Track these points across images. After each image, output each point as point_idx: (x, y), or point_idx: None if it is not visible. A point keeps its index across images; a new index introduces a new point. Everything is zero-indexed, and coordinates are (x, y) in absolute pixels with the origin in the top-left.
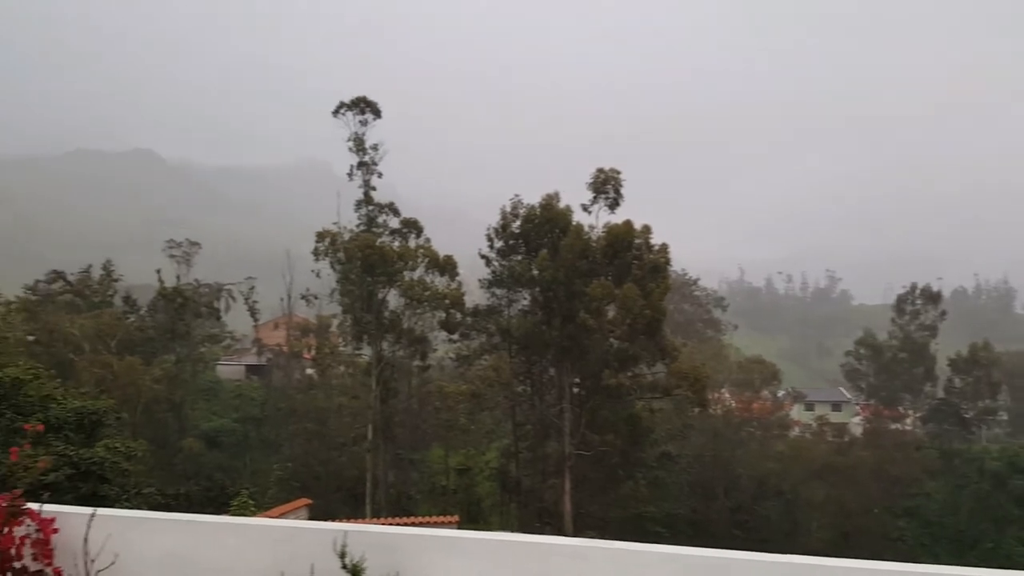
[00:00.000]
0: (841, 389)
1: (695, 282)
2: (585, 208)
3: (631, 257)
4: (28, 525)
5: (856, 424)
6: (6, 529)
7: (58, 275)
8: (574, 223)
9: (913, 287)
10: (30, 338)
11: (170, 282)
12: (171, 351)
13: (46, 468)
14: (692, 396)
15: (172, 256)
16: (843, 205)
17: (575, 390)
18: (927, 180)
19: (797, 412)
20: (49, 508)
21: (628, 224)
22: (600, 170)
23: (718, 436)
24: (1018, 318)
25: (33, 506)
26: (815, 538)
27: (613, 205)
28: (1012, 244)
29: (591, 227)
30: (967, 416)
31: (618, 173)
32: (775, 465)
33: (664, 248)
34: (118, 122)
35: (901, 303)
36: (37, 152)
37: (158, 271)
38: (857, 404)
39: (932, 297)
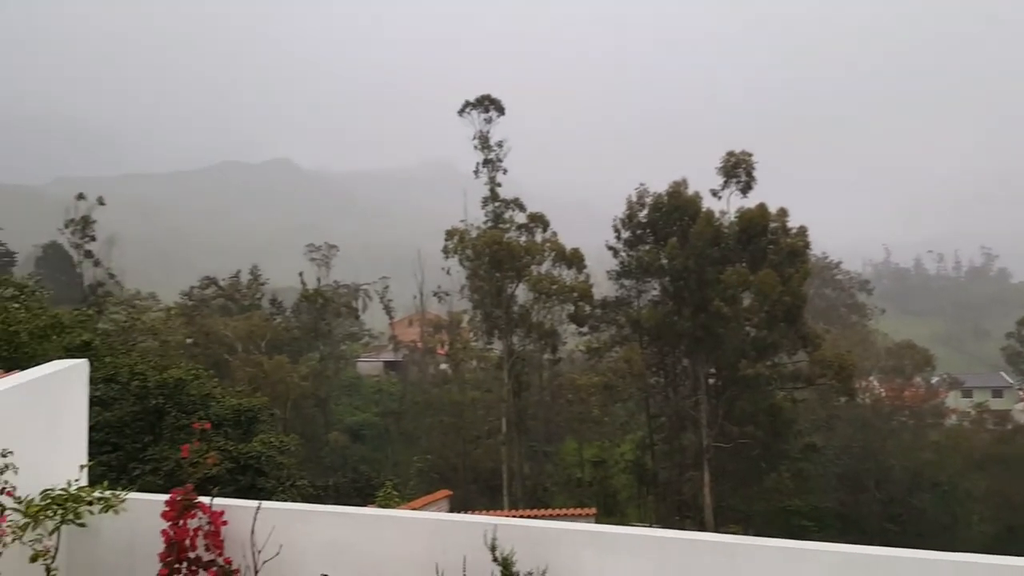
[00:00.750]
0: (1002, 374)
1: (837, 265)
2: (715, 193)
3: (766, 242)
4: (200, 517)
5: (1020, 411)
6: (181, 521)
7: (210, 281)
8: (704, 209)
9: None
10: (189, 340)
11: (311, 284)
12: (315, 349)
13: (214, 463)
14: (837, 385)
15: (312, 259)
16: (996, 178)
17: (711, 381)
18: None
19: (953, 399)
20: (218, 501)
21: (762, 208)
22: (731, 153)
23: (867, 426)
24: None
25: (203, 499)
26: (977, 532)
27: (745, 189)
28: None
29: (722, 213)
30: None
31: (750, 156)
32: (930, 455)
33: (802, 231)
34: (258, 135)
35: None
36: (187, 167)
37: (300, 274)
38: (1021, 389)
39: None
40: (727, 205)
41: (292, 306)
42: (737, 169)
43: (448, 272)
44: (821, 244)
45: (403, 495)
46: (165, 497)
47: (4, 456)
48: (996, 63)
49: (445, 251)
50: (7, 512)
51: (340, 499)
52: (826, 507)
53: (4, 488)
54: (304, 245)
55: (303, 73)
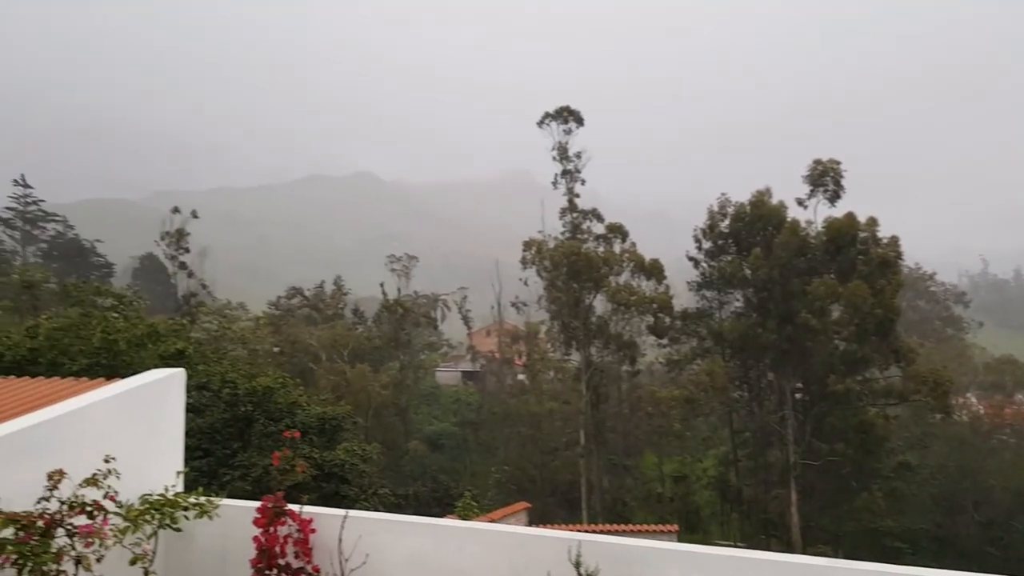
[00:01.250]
0: None
1: (931, 276)
2: (801, 203)
3: (855, 252)
4: (289, 525)
5: None
6: (272, 528)
7: (296, 291)
8: (789, 219)
9: None
10: (275, 349)
11: (392, 294)
12: (395, 359)
13: (303, 472)
14: (932, 401)
15: (393, 270)
16: None
17: (797, 396)
18: None
19: None
20: (307, 509)
21: (851, 217)
22: (817, 161)
23: (965, 445)
24: None
25: (292, 507)
26: None
27: (833, 198)
28: None
29: (808, 222)
30: None
31: (837, 163)
32: None
33: (894, 241)
34: (342, 148)
35: None
36: (276, 180)
37: (381, 284)
38: None
39: None
40: (813, 214)
41: (373, 316)
42: (824, 177)
43: (526, 283)
44: (913, 254)
45: (481, 506)
46: (256, 504)
47: (108, 461)
48: None
49: (523, 262)
50: (109, 516)
51: (420, 508)
52: (920, 529)
53: (107, 492)
54: (385, 256)
55: (385, 87)
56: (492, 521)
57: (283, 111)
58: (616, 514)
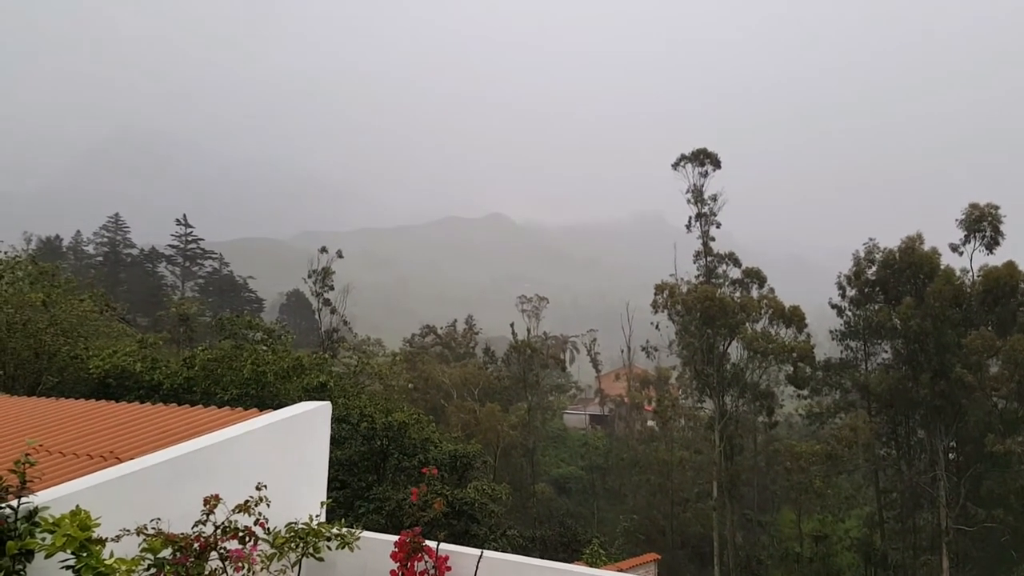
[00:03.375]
0: None
1: None
2: (955, 249)
3: (1017, 304)
4: (425, 561)
5: None
6: (409, 563)
7: (430, 329)
8: (943, 267)
9: None
10: (409, 385)
11: (521, 335)
12: (523, 399)
13: (440, 508)
14: None
15: (523, 310)
16: None
17: (951, 456)
18: None
19: None
20: (442, 547)
21: (1011, 265)
22: (974, 206)
23: None
24: None
25: (428, 543)
26: None
27: (991, 245)
28: None
29: (964, 271)
30: None
31: (996, 208)
32: None
33: None
34: (477, 191)
35: None
36: (413, 221)
37: (511, 324)
38: None
39: None
40: (969, 263)
41: (503, 356)
42: (981, 223)
43: (657, 327)
44: None
45: (609, 554)
46: (394, 538)
47: (259, 489)
48: None
49: (654, 305)
50: (258, 542)
51: (547, 552)
52: None
53: (258, 519)
54: (515, 296)
55: (519, 131)
56: (620, 571)
57: (423, 154)
58: (750, 571)
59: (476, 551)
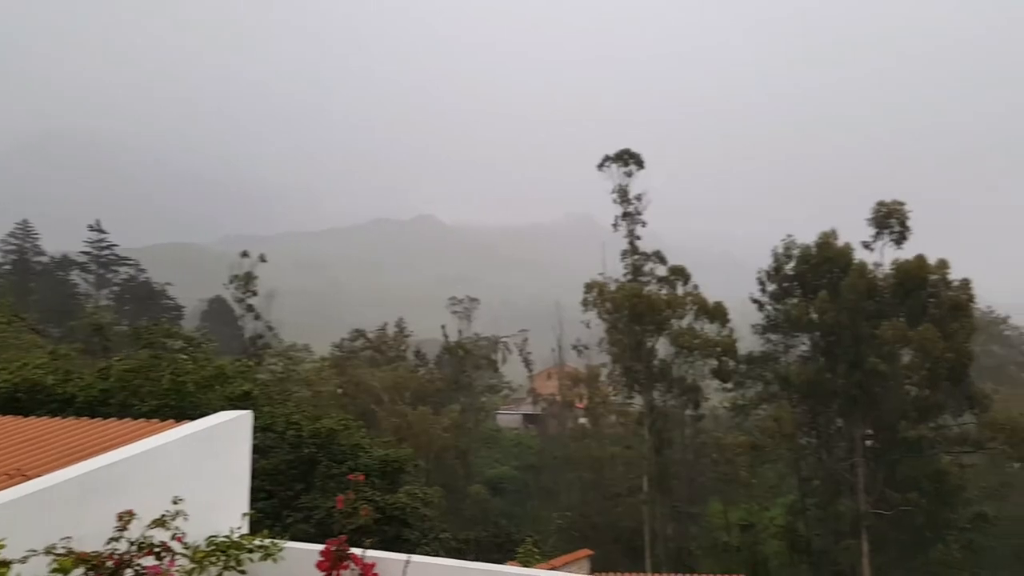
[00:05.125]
0: None
1: (1004, 320)
2: (867, 245)
3: (926, 296)
4: (352, 569)
5: None
6: (335, 572)
7: (359, 333)
8: (856, 261)
9: None
10: (339, 391)
11: (453, 336)
12: (456, 401)
13: (367, 515)
14: (1010, 450)
15: (454, 312)
16: None
17: (868, 443)
18: None
19: None
20: (369, 553)
21: (920, 260)
22: (881, 203)
23: None
24: None
25: (356, 551)
26: None
27: (899, 240)
28: None
29: (876, 265)
30: None
31: (902, 205)
32: None
33: (965, 284)
34: (407, 192)
35: None
36: (341, 223)
37: (443, 327)
38: None
39: None
40: (880, 256)
41: (435, 358)
42: (889, 219)
43: (588, 325)
44: (987, 297)
45: (543, 553)
46: (319, 547)
47: (176, 503)
48: None
49: (584, 304)
50: (176, 557)
51: (481, 554)
52: None
53: (175, 534)
54: (447, 298)
55: (446, 131)
56: (554, 568)
57: (350, 156)
58: (681, 563)
59: (404, 556)
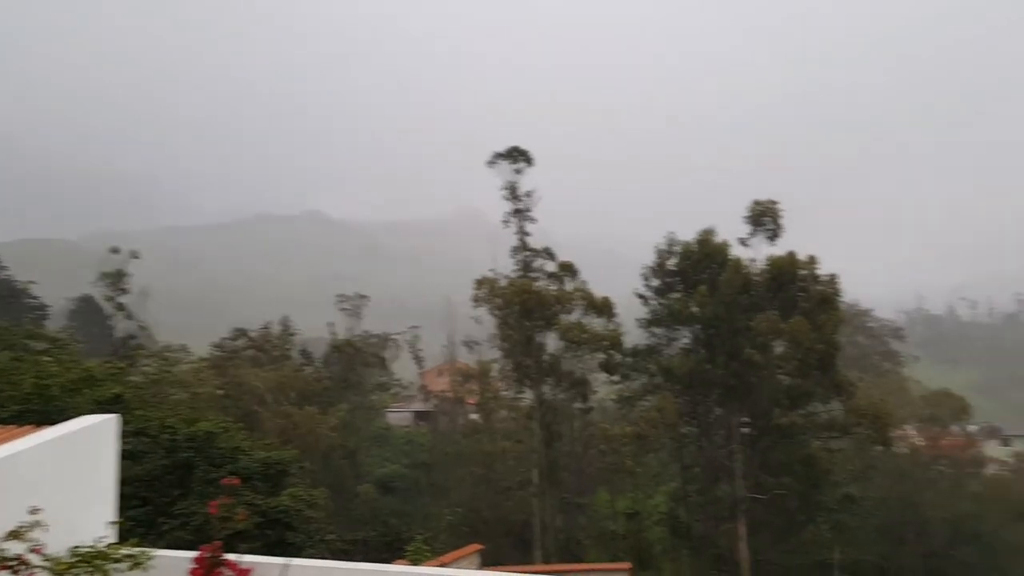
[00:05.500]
0: None
1: (868, 312)
2: (743, 242)
3: (797, 289)
4: (227, 574)
5: None
6: None
7: (241, 332)
8: (732, 257)
9: None
10: (219, 392)
11: (342, 334)
12: (344, 400)
13: (243, 519)
14: (873, 434)
15: (342, 309)
16: None
17: (744, 430)
18: None
19: (992, 448)
20: (246, 558)
21: (791, 256)
22: (757, 202)
23: (905, 476)
24: None
25: (231, 556)
26: None
27: (773, 237)
28: None
29: (751, 261)
30: None
31: (775, 204)
32: (970, 506)
33: (832, 278)
34: (292, 188)
35: None
36: (223, 219)
37: (330, 324)
38: None
39: None
40: (756, 253)
41: (322, 357)
42: (764, 217)
43: (478, 321)
44: (852, 291)
45: (433, 550)
46: (193, 554)
47: (33, 513)
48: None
49: (474, 300)
50: (35, 570)
51: (369, 554)
52: (866, 560)
53: (33, 546)
54: (335, 296)
55: (336, 126)
56: (443, 565)
57: (231, 150)
58: (570, 553)
59: (283, 560)
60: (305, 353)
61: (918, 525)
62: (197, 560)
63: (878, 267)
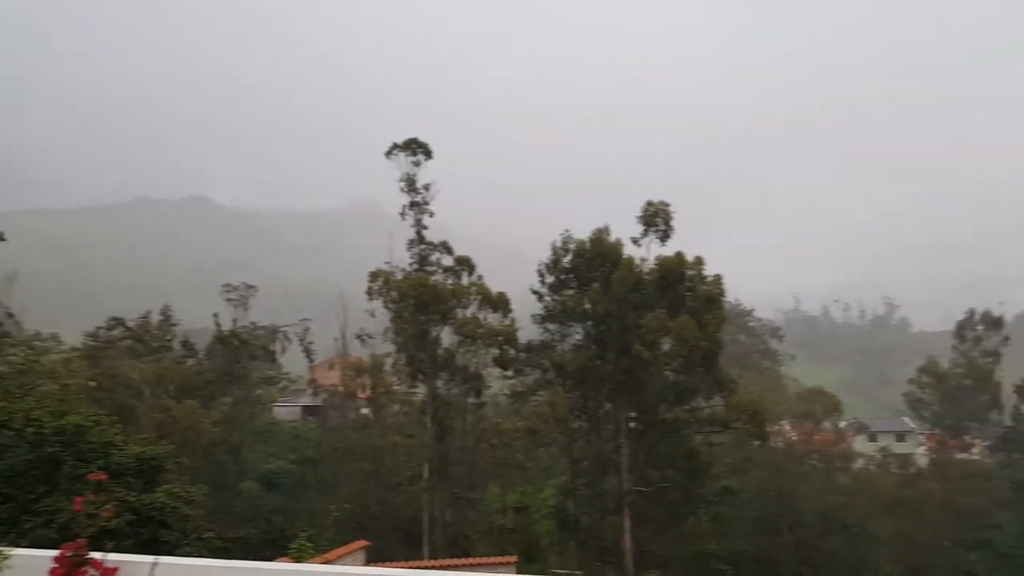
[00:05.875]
0: (904, 419)
1: (750, 312)
2: (635, 241)
3: (684, 289)
4: (92, 574)
5: (921, 455)
6: None
7: (117, 321)
8: (625, 256)
9: (972, 312)
10: (92, 384)
11: (227, 326)
12: (229, 394)
13: (110, 516)
14: (751, 429)
15: (229, 300)
16: (898, 231)
17: (632, 425)
18: (984, 207)
19: (860, 444)
20: (112, 557)
21: (680, 256)
22: (649, 203)
23: (780, 470)
24: None
25: (96, 555)
26: (884, 574)
27: (664, 237)
28: None
29: (643, 260)
30: None
31: (667, 205)
32: (840, 499)
33: (718, 279)
34: (177, 171)
35: (962, 329)
36: (99, 202)
37: (215, 315)
38: (921, 434)
39: (994, 322)
40: (647, 252)
41: (206, 349)
42: (656, 218)
43: (372, 315)
44: (734, 291)
45: (319, 546)
46: (54, 553)
47: None
48: (897, 124)
49: (369, 293)
50: None
51: (251, 552)
52: (742, 551)
53: None
54: (221, 285)
55: (227, 109)
56: (327, 562)
57: (108, 130)
58: (458, 548)
59: (152, 558)
60: (187, 345)
61: (791, 517)
62: (58, 559)
63: (760, 269)
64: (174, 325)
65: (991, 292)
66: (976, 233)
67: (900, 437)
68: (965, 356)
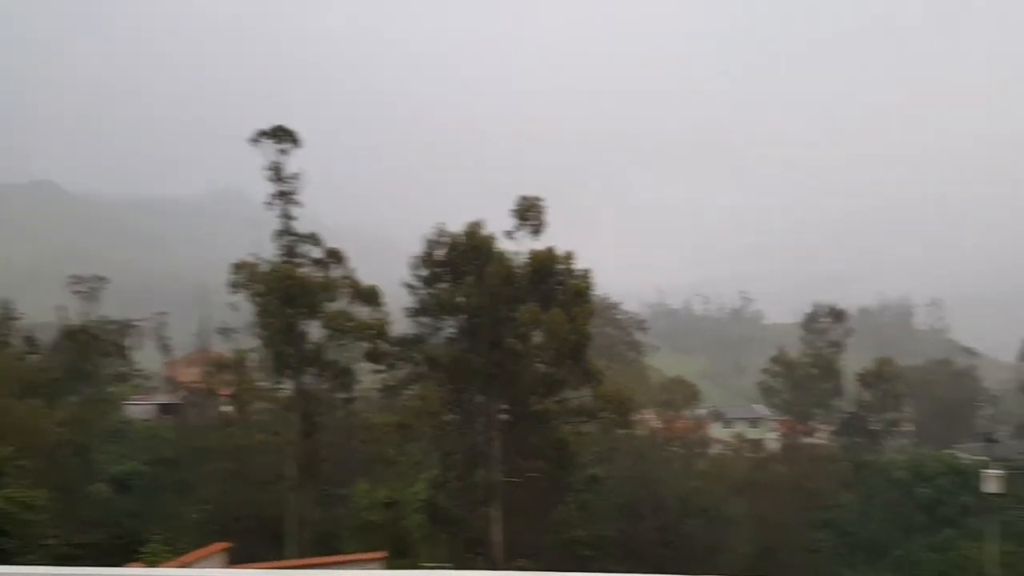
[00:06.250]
0: (757, 406)
1: (617, 305)
2: (509, 235)
3: (554, 283)
4: None
5: (772, 440)
6: None
7: None
8: (498, 250)
9: (818, 306)
10: None
11: (74, 319)
12: (77, 392)
13: None
14: (617, 418)
15: (77, 292)
16: (753, 229)
17: (503, 417)
18: (831, 209)
19: (717, 430)
20: None
21: (550, 250)
22: (523, 197)
23: (643, 457)
24: (918, 333)
25: None
26: (738, 554)
27: (536, 231)
28: (912, 264)
29: (516, 254)
30: (875, 428)
31: (540, 200)
32: (698, 483)
33: (586, 273)
34: (16, 154)
35: (809, 321)
36: None
37: (61, 308)
38: (772, 420)
39: (838, 315)
40: (520, 246)
41: (51, 344)
42: (529, 212)
43: (236, 308)
44: (603, 286)
45: (176, 550)
46: None
47: None
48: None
49: (232, 285)
50: None
51: (100, 558)
52: (607, 536)
53: None
54: (68, 276)
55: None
56: (184, 565)
57: None
58: (326, 546)
59: None
60: (30, 340)
61: (654, 501)
62: None
63: (626, 264)
64: (14, 319)
65: (836, 287)
66: (822, 234)
67: (753, 423)
68: (812, 347)
